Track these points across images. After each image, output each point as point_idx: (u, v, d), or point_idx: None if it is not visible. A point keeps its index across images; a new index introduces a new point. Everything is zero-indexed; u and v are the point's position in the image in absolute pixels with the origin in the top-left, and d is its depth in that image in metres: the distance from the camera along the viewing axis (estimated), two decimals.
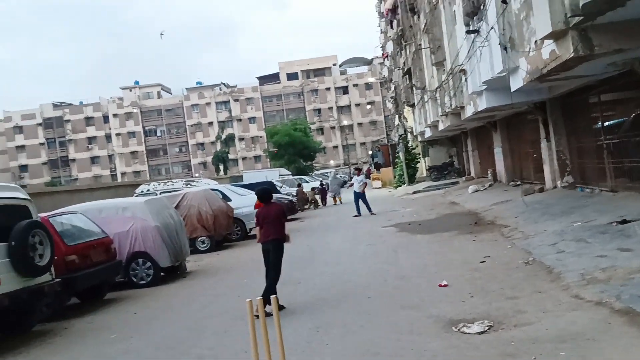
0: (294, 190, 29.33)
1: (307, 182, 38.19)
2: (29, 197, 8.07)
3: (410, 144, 37.58)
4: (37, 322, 8.32)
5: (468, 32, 12.92)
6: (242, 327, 6.87)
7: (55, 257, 8.10)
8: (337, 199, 29.07)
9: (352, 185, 22.77)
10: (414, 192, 27.98)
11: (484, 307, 6.20)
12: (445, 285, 7.52)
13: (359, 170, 22.51)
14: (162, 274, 11.18)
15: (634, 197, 11.21)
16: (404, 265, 9.65)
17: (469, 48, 13.57)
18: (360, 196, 20.17)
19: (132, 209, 11.13)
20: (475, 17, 12.72)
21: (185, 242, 12.08)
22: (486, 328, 5.55)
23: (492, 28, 10.96)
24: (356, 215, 19.69)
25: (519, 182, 20.31)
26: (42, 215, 8.63)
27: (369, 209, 19.71)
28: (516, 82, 11.21)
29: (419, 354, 5.11)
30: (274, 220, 7.73)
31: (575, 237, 8.83)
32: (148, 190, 19.70)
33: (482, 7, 12.08)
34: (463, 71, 15.15)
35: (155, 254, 10.85)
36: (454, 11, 16.56)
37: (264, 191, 8.14)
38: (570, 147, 15.13)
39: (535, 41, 9.44)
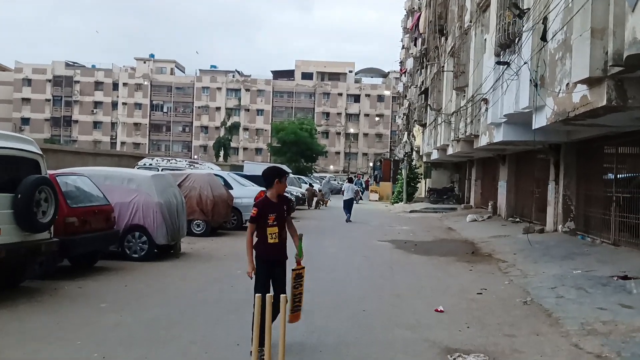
0: (292, 189, 29.37)
1: (305, 182, 38.11)
2: (41, 152, 7.97)
3: (414, 162, 37.57)
4: (26, 279, 8.21)
5: (498, 62, 12.90)
6: (234, 319, 6.82)
7: (57, 217, 7.99)
8: (325, 201, 32.94)
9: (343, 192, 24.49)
10: (411, 211, 27.95)
11: (481, 340, 6.14)
12: (441, 311, 7.45)
13: (350, 180, 25.32)
14: (156, 250, 11.08)
15: (636, 254, 11.17)
16: (400, 283, 9.58)
17: (496, 79, 13.55)
18: (349, 203, 22.09)
19: (138, 181, 11.02)
20: (507, 50, 12.70)
21: (184, 223, 11.99)
22: None
23: (525, 63, 10.93)
24: (348, 220, 21.44)
25: (518, 219, 20.30)
26: (50, 172, 8.52)
27: (348, 214, 21.83)
28: (540, 121, 11.18)
29: None
30: (283, 227, 5.58)
31: (575, 284, 8.77)
32: (150, 164, 19.60)
33: (516, 40, 12.06)
34: (485, 100, 15.13)
35: (153, 230, 10.75)
36: (485, 40, 16.56)
37: (265, 172, 5.72)
38: (578, 193, 15.10)
39: (567, 83, 9.41)
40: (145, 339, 5.92)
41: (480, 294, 8.70)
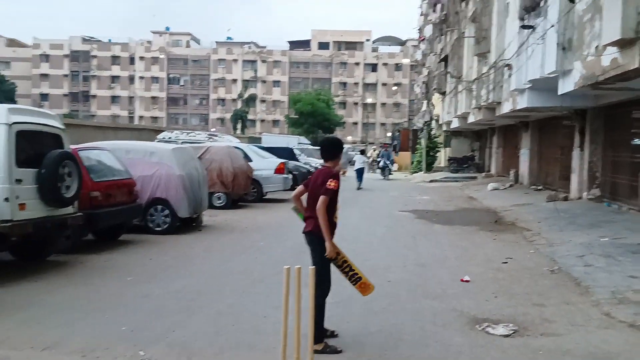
0: (311, 160, 29.25)
1: None
2: (63, 127, 7.97)
3: (433, 131, 37.17)
4: (54, 253, 8.29)
5: (523, 26, 12.55)
6: (260, 289, 6.84)
7: (80, 192, 8.01)
8: (344, 171, 32.67)
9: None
10: (431, 181, 27.77)
11: (509, 310, 6.06)
12: (467, 281, 7.38)
13: (362, 152, 28.09)
14: (178, 223, 11.13)
15: None
16: (423, 253, 9.51)
17: (520, 43, 13.20)
18: (360, 172, 24.17)
19: (160, 154, 11.01)
20: (532, 13, 12.34)
21: (205, 195, 12.00)
22: (511, 332, 5.41)
23: (552, 26, 10.60)
24: (359, 188, 23.31)
25: (540, 187, 20.04)
26: (72, 147, 8.53)
27: (359, 183, 23.77)
28: (566, 86, 10.89)
29: (444, 347, 4.99)
30: (316, 193, 4.93)
31: (604, 252, 8.62)
32: (170, 138, 19.56)
33: (542, 2, 11.70)
34: (508, 66, 14.78)
35: (176, 202, 10.77)
36: (508, 3, 16.11)
37: (328, 143, 5.22)
38: (604, 159, 14.81)
39: (597, 46, 9.12)
40: (174, 310, 5.94)
41: (506, 263, 8.60)
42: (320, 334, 4.85)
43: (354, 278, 5.30)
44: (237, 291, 6.75)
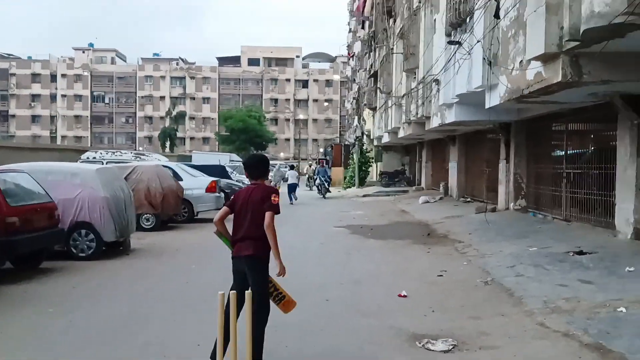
0: (243, 177, 28.94)
1: None
2: None
3: (365, 146, 37.64)
4: None
5: (450, 42, 12.85)
6: (191, 316, 6.50)
7: None
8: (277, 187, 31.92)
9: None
10: (364, 196, 27.99)
11: (447, 325, 6.03)
12: (404, 296, 7.34)
13: (292, 167, 28.55)
14: (104, 248, 10.57)
15: (587, 229, 11.41)
16: (359, 269, 9.44)
17: (447, 59, 13.51)
18: (292, 187, 25.19)
19: (82, 176, 10.44)
20: (459, 29, 12.66)
21: (132, 217, 11.47)
22: (450, 347, 5.37)
23: (478, 42, 10.89)
24: (291, 203, 23.93)
25: (469, 199, 20.57)
26: None
27: (291, 198, 24.63)
28: (493, 100, 11.18)
29: None
30: (256, 211, 4.69)
31: (533, 262, 8.83)
32: (94, 158, 18.80)
33: (468, 19, 12.02)
34: (437, 81, 15.11)
35: (101, 226, 10.22)
36: (435, 20, 16.52)
37: (258, 160, 5.04)
38: (528, 171, 15.35)
39: (521, 61, 9.40)
40: (98, 342, 5.54)
41: (441, 276, 8.65)
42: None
43: (278, 297, 5.13)
44: (166, 319, 6.39)
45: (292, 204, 23.92)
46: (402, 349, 5.34)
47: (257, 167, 4.95)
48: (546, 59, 8.21)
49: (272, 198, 4.69)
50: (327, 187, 28.10)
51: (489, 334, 5.68)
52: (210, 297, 7.44)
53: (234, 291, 4.28)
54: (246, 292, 4.25)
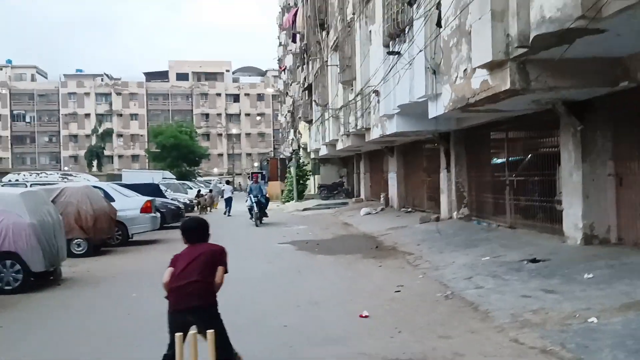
0: (178, 195, 28.08)
1: (191, 188, 36.54)
2: None
3: (301, 160, 37.34)
4: None
5: (389, 52, 12.72)
6: (138, 354, 5.84)
7: None
8: (215, 204, 33.53)
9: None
10: (304, 209, 27.63)
11: (418, 346, 5.68)
12: (366, 316, 6.95)
13: (228, 182, 31.06)
14: (32, 279, 9.62)
15: (533, 235, 11.48)
16: (313, 289, 8.98)
17: (387, 70, 13.38)
18: (228, 201, 27.75)
19: (5, 201, 9.46)
20: (397, 39, 12.55)
21: (63, 244, 10.55)
22: None
23: (420, 51, 10.77)
24: (228, 215, 26.49)
25: (410, 209, 20.58)
26: None
27: (228, 211, 27.19)
28: (436, 109, 11.08)
29: None
30: (205, 264, 4.42)
31: (489, 272, 8.69)
32: (17, 180, 17.53)
33: (407, 29, 11.92)
34: (376, 92, 14.97)
35: (27, 256, 9.28)
36: (370, 31, 16.43)
37: (197, 225, 4.77)
38: (470, 179, 15.45)
39: (465, 69, 9.30)
40: None
41: (398, 291, 8.34)
42: None
43: None
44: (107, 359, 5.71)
45: (229, 216, 26.62)
46: None
47: (201, 232, 4.72)
48: (493, 66, 8.11)
49: (226, 257, 4.62)
50: (264, 207, 21.00)
51: (463, 355, 5.36)
52: (157, 329, 6.81)
53: (194, 331, 3.85)
54: (208, 331, 3.79)
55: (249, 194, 21.59)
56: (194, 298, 4.24)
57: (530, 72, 7.80)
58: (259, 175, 31.24)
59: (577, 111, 9.66)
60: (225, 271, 4.55)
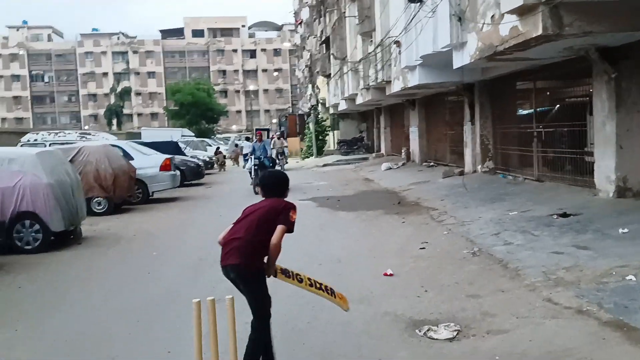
0: (197, 152, 27.99)
1: (210, 145, 36.44)
2: None
3: (320, 115, 36.87)
4: None
5: (411, 0, 12.12)
6: (158, 315, 5.73)
7: None
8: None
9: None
10: (324, 165, 27.37)
11: (445, 306, 5.48)
12: (391, 275, 6.76)
13: (248, 139, 28.37)
14: (52, 238, 9.60)
15: (562, 188, 11.11)
16: (336, 246, 8.82)
17: (409, 19, 12.81)
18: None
19: (21, 161, 9.36)
20: None
21: (82, 203, 10.49)
22: (455, 333, 4.82)
23: None
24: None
25: (432, 164, 20.21)
26: None
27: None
28: (462, 59, 10.59)
29: None
30: (255, 221, 3.97)
31: (518, 227, 8.39)
32: (36, 140, 17.47)
33: None
34: (397, 43, 14.43)
35: (46, 215, 9.23)
36: None
37: (275, 179, 4.34)
38: (495, 131, 14.99)
39: (493, 15, 8.81)
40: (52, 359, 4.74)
41: (423, 249, 8.12)
42: None
43: (329, 290, 4.54)
44: (130, 322, 5.58)
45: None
46: (403, 340, 4.74)
47: (272, 189, 4.23)
48: (523, 11, 7.63)
49: (292, 215, 3.98)
50: (285, 158, 19.74)
51: (494, 315, 5.14)
52: (176, 287, 6.72)
53: (211, 297, 3.65)
54: (227, 297, 3.60)
55: (251, 154, 18.64)
56: (231, 256, 3.94)
57: (563, 16, 7.32)
58: (262, 132, 21.82)
59: (611, 58, 9.14)
60: (288, 231, 3.96)
